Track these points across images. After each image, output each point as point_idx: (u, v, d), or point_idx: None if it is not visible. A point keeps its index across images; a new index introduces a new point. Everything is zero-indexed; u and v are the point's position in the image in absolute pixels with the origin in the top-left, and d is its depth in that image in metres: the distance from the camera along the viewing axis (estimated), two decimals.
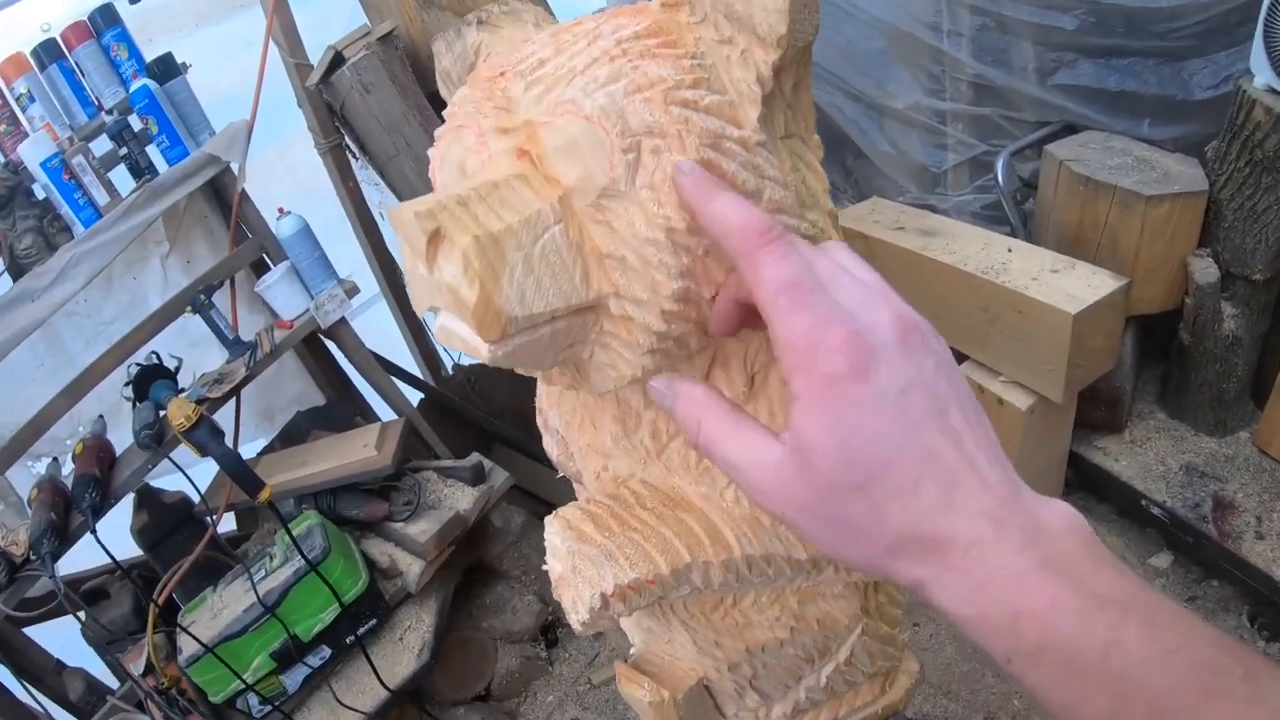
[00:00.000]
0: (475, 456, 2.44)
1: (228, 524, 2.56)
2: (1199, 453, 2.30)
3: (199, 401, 2.09)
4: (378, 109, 2.20)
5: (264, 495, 1.96)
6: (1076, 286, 2.07)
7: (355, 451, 2.33)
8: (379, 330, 2.70)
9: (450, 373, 2.87)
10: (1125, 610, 0.39)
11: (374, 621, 2.23)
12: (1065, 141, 2.35)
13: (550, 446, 0.83)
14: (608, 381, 0.59)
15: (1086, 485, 2.49)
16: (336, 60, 2.15)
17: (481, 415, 2.78)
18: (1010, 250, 2.25)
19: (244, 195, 2.22)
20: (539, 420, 0.84)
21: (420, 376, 2.75)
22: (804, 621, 0.77)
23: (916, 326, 0.44)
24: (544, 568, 0.69)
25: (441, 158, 0.60)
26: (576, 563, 0.66)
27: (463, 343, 0.53)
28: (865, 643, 0.81)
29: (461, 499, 2.37)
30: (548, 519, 0.71)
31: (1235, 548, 2.08)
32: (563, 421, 0.77)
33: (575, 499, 0.79)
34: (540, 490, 2.80)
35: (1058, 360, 2.09)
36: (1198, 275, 2.12)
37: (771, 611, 0.76)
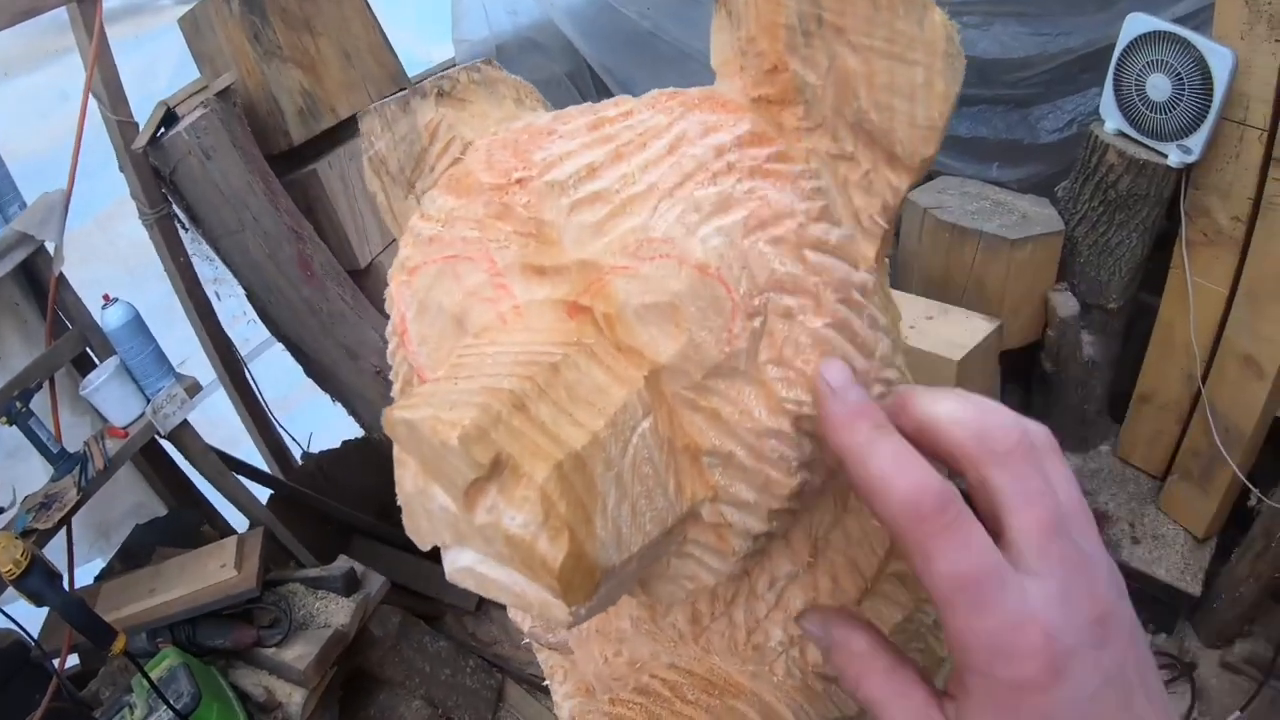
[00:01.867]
0: (345, 562, 2.18)
1: (70, 658, 2.13)
2: None
3: (25, 534, 1.72)
4: (219, 177, 1.91)
5: (117, 646, 1.67)
6: (954, 332, 2.14)
7: (211, 573, 2.00)
8: (217, 420, 2.36)
9: (299, 462, 2.55)
10: None
11: None
12: (924, 188, 2.44)
13: (519, 616, 0.65)
14: (680, 593, 0.46)
15: None
16: (168, 118, 1.85)
17: (338, 507, 2.50)
18: None
19: (61, 279, 1.85)
20: None
21: (267, 471, 2.42)
22: None
23: (1111, 612, 0.35)
24: None
25: (420, 301, 0.42)
26: None
27: (515, 598, 0.37)
28: None
29: (337, 613, 2.11)
30: None
31: (1116, 555, 2.23)
32: None
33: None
34: (412, 582, 2.55)
35: None
36: (1059, 309, 2.27)
37: None
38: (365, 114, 0.57)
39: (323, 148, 2.17)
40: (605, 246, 0.37)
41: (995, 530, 0.35)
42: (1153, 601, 2.27)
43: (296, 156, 2.14)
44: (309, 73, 2.09)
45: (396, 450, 0.37)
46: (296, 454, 2.56)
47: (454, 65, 2.72)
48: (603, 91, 2.70)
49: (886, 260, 0.52)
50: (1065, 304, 2.26)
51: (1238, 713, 2.09)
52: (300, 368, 2.41)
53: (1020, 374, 2.54)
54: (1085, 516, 0.37)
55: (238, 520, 2.27)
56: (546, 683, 0.75)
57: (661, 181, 0.37)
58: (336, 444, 2.64)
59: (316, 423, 2.60)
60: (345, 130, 2.19)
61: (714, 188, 0.37)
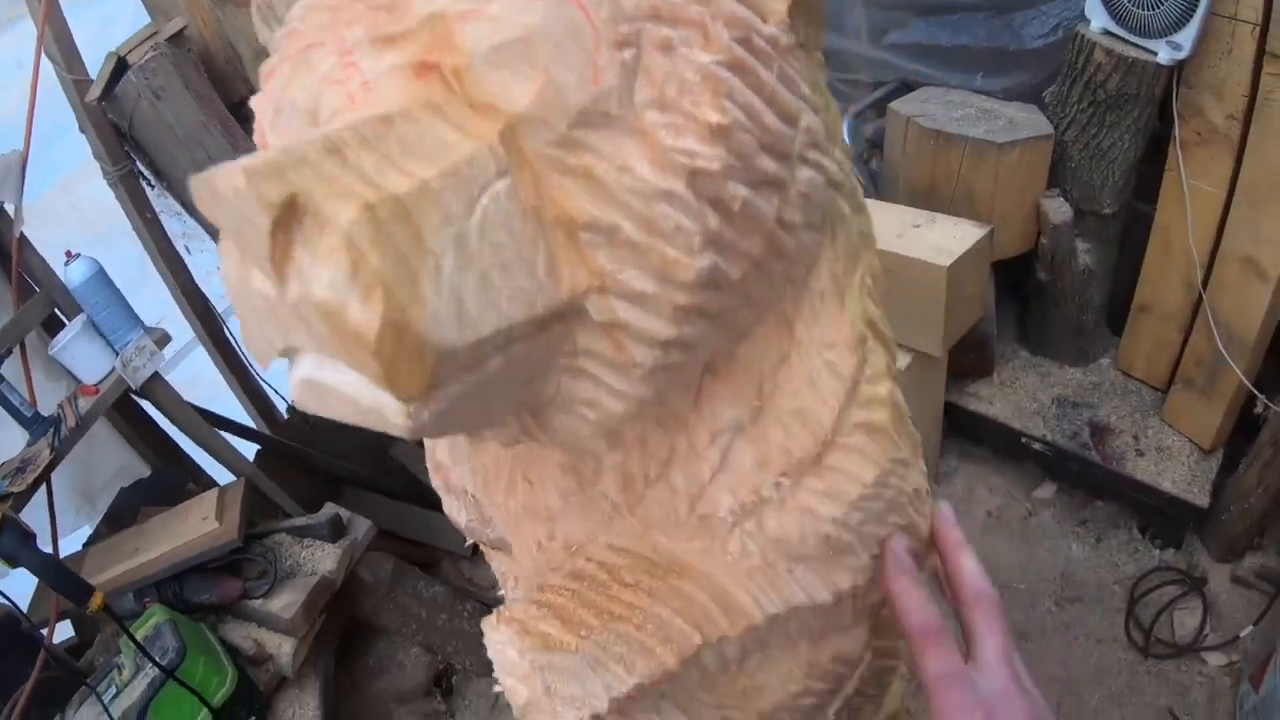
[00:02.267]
0: (330, 508, 2.16)
1: (65, 630, 2.14)
2: (1067, 384, 2.39)
3: (2, 499, 1.71)
4: (172, 118, 1.87)
5: (95, 604, 1.64)
6: (943, 239, 2.08)
7: (193, 527, 1.99)
8: (199, 380, 2.34)
9: (285, 416, 2.53)
10: None
11: None
12: (907, 99, 2.36)
13: (454, 510, 0.62)
14: (582, 427, 0.40)
15: (963, 432, 2.54)
16: (119, 68, 1.80)
17: (327, 459, 2.48)
18: None
19: (24, 240, 1.82)
20: (435, 479, 0.62)
21: (253, 426, 2.41)
22: (818, 667, 0.60)
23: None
24: (495, 689, 0.50)
25: (275, 105, 0.38)
26: (549, 680, 0.48)
27: (350, 406, 0.32)
28: (873, 664, 0.66)
29: (324, 559, 2.09)
30: (489, 624, 0.52)
31: (1120, 468, 2.17)
32: (476, 480, 0.57)
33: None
34: (404, 529, 2.54)
35: (935, 314, 2.09)
36: (1052, 215, 2.18)
37: (783, 667, 0.58)
38: None
39: None
40: None
41: (968, 653, 0.54)
42: (1160, 515, 2.20)
43: None
44: None
45: (220, 245, 0.33)
46: (281, 408, 2.54)
47: None
48: None
49: (820, 55, 0.46)
50: (1058, 210, 2.18)
51: (1250, 627, 2.03)
52: None
53: (1015, 287, 2.47)
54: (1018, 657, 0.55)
55: (224, 477, 2.25)
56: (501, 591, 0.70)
57: None
58: None
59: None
60: None
61: None
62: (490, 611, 0.57)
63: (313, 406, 0.34)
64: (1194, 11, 1.81)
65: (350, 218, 0.28)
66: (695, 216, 0.34)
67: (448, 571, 2.57)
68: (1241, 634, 2.03)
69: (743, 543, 0.50)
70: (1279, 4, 1.72)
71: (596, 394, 0.39)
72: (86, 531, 2.17)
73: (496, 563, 0.67)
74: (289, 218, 0.28)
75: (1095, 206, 2.17)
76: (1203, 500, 2.09)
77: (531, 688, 0.48)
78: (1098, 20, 1.99)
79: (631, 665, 0.47)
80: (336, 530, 2.12)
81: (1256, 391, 1.97)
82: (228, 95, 2.02)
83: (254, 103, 0.41)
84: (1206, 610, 2.10)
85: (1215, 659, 2.04)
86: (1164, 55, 1.90)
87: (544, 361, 0.36)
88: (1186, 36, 1.85)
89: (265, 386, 2.43)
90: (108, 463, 2.19)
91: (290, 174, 0.28)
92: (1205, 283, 2.06)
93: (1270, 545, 2.17)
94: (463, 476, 0.59)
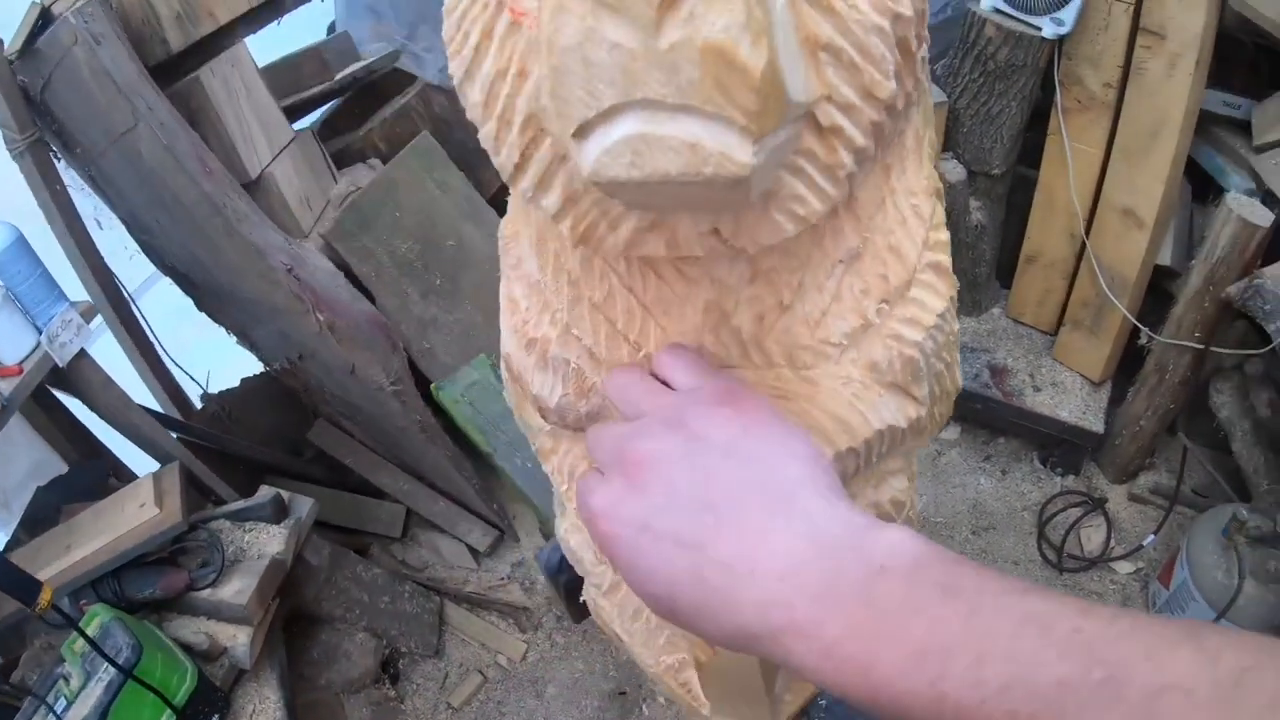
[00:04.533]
0: (270, 490, 2.05)
1: None
2: (964, 332, 2.60)
3: None
4: (110, 65, 1.73)
5: (44, 599, 1.53)
6: None
7: (131, 515, 1.84)
8: (106, 368, 2.15)
9: (200, 405, 2.37)
10: (948, 654, 0.37)
11: (216, 719, 1.80)
12: None
13: (545, 387, 0.64)
14: (788, 223, 0.47)
15: None
16: (43, 21, 1.66)
17: (248, 445, 2.35)
18: None
19: None
20: (519, 360, 0.66)
21: (169, 415, 2.24)
22: (881, 511, 0.69)
23: (648, 457, 0.48)
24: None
25: None
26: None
27: (687, 153, 0.37)
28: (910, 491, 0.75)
29: (269, 542, 1.98)
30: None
31: (1021, 403, 2.40)
32: (597, 337, 0.60)
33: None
34: (333, 517, 2.44)
35: None
36: (948, 175, 2.39)
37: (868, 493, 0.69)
38: None
39: (204, 56, 2.01)
40: None
41: None
42: (1059, 444, 2.45)
43: (175, 68, 1.98)
44: None
45: (553, 3, 0.35)
46: (195, 397, 2.38)
47: None
48: None
49: None
50: (952, 171, 2.38)
51: (1151, 536, 2.29)
52: (191, 301, 2.25)
53: None
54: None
55: (146, 467, 2.09)
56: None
57: None
58: (235, 384, 2.48)
59: (208, 363, 2.43)
60: (225, 37, 2.03)
61: None
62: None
63: (623, 167, 0.38)
64: None
65: None
66: (891, 50, 0.42)
67: (379, 556, 2.49)
68: (1144, 543, 2.30)
69: (849, 368, 0.58)
70: None
71: (806, 194, 0.46)
72: (2, 538, 1.96)
73: (555, 463, 0.71)
74: None
75: (985, 168, 2.39)
76: (1098, 427, 2.34)
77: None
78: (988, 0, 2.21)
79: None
80: (279, 510, 2.02)
81: (1140, 325, 2.24)
82: (145, 58, 1.89)
83: None
84: (1110, 526, 2.36)
85: (1123, 567, 2.29)
86: (1048, 30, 2.12)
87: (788, 148, 0.43)
88: (1069, 14, 2.08)
89: (179, 373, 2.27)
90: (20, 461, 1.99)
91: None
92: (1088, 232, 2.31)
93: (1161, 464, 2.46)
94: (568, 345, 0.61)
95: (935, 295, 0.61)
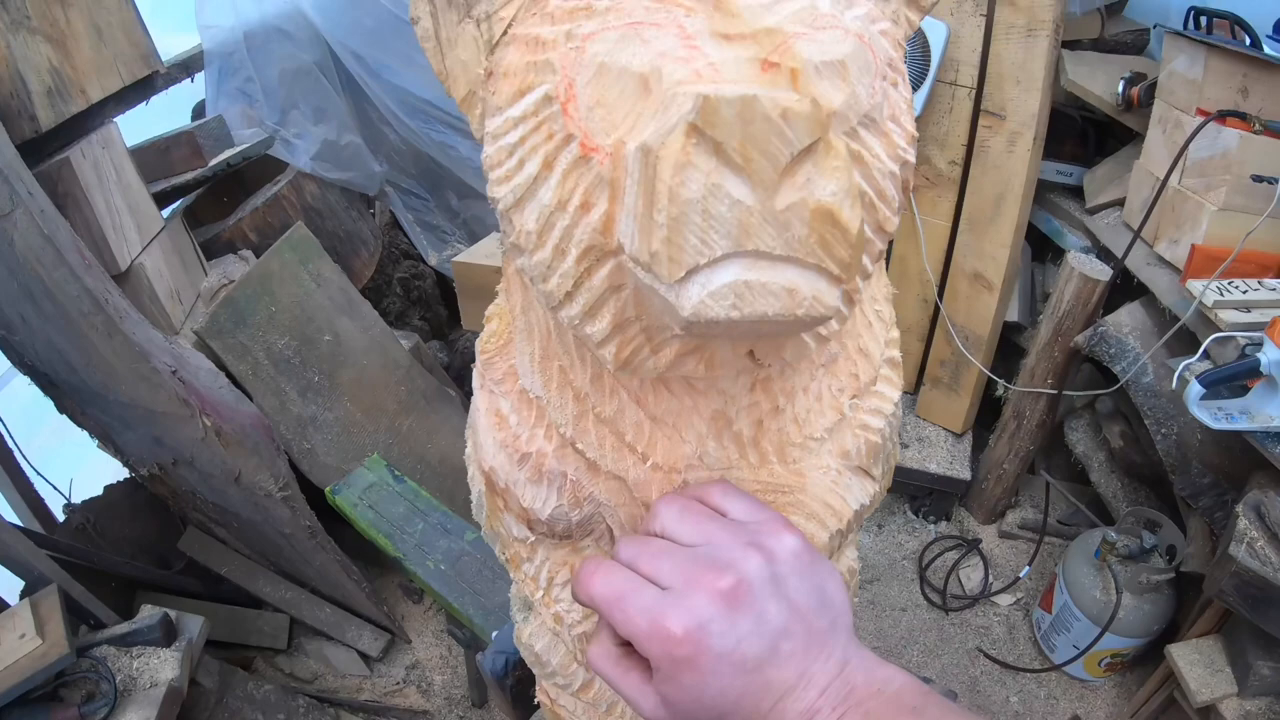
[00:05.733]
0: (156, 610, 1.92)
1: None
2: None
3: None
4: None
5: None
6: None
7: (11, 649, 1.67)
8: None
9: (64, 517, 2.20)
10: None
11: None
12: None
13: (538, 500, 0.67)
14: (813, 341, 0.54)
15: None
16: None
17: (122, 560, 2.19)
18: None
19: None
20: (514, 474, 0.67)
21: (31, 530, 2.06)
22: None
23: (741, 582, 0.51)
24: None
25: (600, 64, 0.45)
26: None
27: (783, 296, 0.42)
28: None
29: (161, 667, 1.84)
30: None
31: None
32: (604, 449, 0.64)
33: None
34: (212, 633, 2.29)
35: None
36: None
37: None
38: None
39: (73, 135, 1.90)
40: (783, 19, 0.43)
41: None
42: (930, 494, 2.60)
43: (40, 149, 1.87)
44: (58, 48, 1.81)
45: (682, 154, 0.39)
46: (56, 510, 2.21)
47: (202, 53, 2.49)
48: (349, 83, 2.59)
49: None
50: None
51: (1026, 568, 2.46)
52: (50, 403, 2.10)
53: None
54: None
55: (6, 590, 1.92)
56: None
57: None
58: (98, 491, 2.31)
59: (66, 469, 2.26)
60: (96, 116, 1.94)
61: None
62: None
63: (724, 308, 0.42)
64: (924, 79, 2.25)
65: (846, 150, 0.40)
66: (899, 191, 0.50)
67: (264, 670, 2.36)
68: (1020, 575, 2.46)
69: (826, 458, 0.65)
70: (991, 71, 2.19)
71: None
72: None
73: (535, 565, 0.74)
74: (808, 150, 0.39)
75: None
76: (965, 474, 2.51)
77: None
78: None
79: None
80: (169, 632, 1.89)
81: (995, 378, 2.43)
82: (11, 134, 1.78)
83: (553, 59, 0.46)
84: (986, 564, 2.51)
85: (1004, 599, 2.45)
86: None
87: None
88: (917, 100, 2.28)
89: (40, 482, 2.11)
90: None
91: (823, 115, 0.39)
92: (941, 297, 2.50)
93: (1025, 501, 2.65)
94: (566, 458, 0.64)
95: (892, 387, 0.70)
